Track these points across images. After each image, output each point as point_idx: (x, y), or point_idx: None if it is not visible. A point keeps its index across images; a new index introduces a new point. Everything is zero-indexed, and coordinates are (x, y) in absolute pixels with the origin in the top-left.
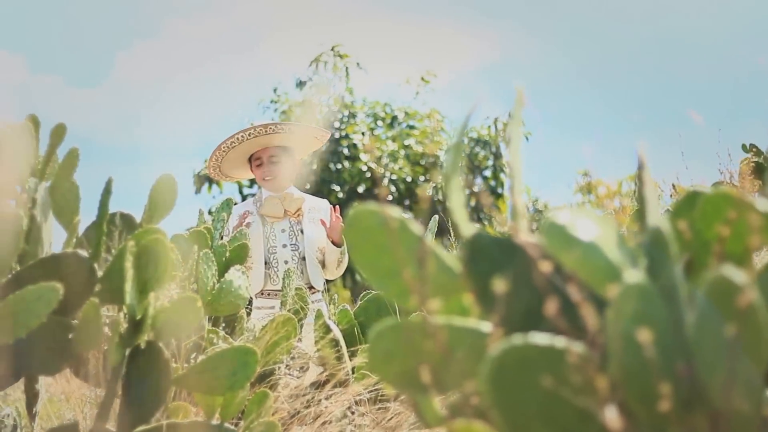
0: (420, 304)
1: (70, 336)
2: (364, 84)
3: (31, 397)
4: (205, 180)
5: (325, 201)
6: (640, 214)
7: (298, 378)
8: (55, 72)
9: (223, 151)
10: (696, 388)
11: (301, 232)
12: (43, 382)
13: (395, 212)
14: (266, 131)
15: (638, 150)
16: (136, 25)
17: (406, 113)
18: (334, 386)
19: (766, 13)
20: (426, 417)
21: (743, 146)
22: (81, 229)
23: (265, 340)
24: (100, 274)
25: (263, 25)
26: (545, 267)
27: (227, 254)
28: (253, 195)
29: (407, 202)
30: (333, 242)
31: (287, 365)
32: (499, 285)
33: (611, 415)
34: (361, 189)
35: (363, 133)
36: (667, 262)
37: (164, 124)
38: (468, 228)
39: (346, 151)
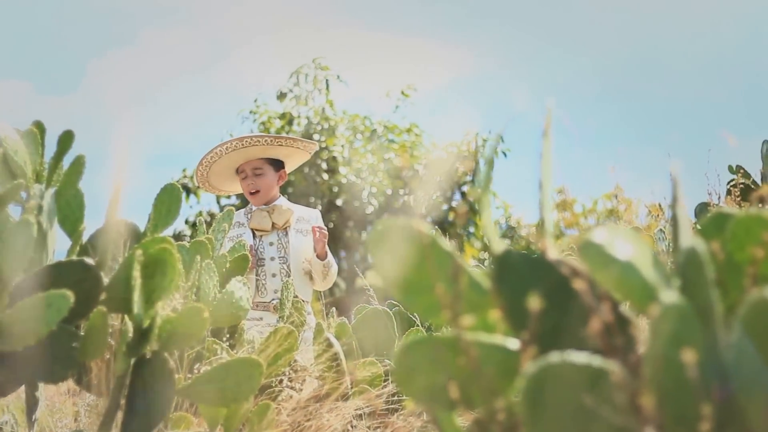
0: (452, 320)
1: (75, 344)
2: (344, 97)
3: (32, 405)
4: (183, 190)
5: (315, 210)
6: (674, 234)
7: (298, 391)
8: (26, 78)
9: (206, 166)
10: (732, 410)
11: (289, 243)
12: (43, 391)
13: (425, 227)
14: (243, 144)
15: (671, 169)
16: (109, 33)
17: (386, 127)
18: (335, 400)
19: (747, 34)
20: None
21: (729, 167)
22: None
23: (267, 352)
24: (105, 282)
25: (242, 37)
26: (579, 285)
27: (227, 265)
28: (232, 205)
29: (386, 216)
30: (317, 255)
31: (289, 378)
32: (533, 302)
33: None
34: (339, 201)
35: (342, 146)
36: (703, 282)
37: (139, 132)
38: (498, 245)
39: (324, 165)
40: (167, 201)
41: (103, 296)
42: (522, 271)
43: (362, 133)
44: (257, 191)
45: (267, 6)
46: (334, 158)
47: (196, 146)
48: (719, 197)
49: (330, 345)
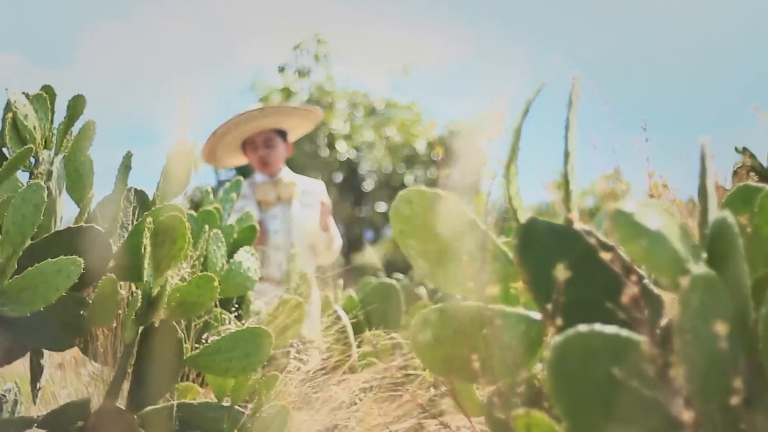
0: (477, 291)
1: (82, 312)
2: (344, 73)
3: (36, 373)
4: None
5: (320, 182)
6: (702, 207)
7: (305, 363)
8: (19, 50)
9: (219, 137)
10: (762, 383)
11: (292, 217)
12: (48, 359)
13: (449, 195)
14: (263, 114)
15: (700, 142)
16: (103, 6)
17: (386, 104)
18: (343, 373)
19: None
20: (466, 405)
21: (736, 149)
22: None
23: (275, 323)
24: (114, 249)
25: (241, 12)
26: (606, 256)
27: (235, 235)
28: (228, 180)
29: (384, 192)
30: (320, 226)
31: (297, 350)
32: (558, 273)
33: (680, 407)
34: (338, 177)
35: (343, 122)
36: (733, 254)
37: (135, 107)
38: (522, 215)
39: (324, 140)
40: (177, 167)
41: (111, 264)
42: (547, 242)
43: (362, 108)
44: (269, 162)
45: None
46: (333, 134)
47: (196, 123)
48: (726, 179)
49: (338, 317)
